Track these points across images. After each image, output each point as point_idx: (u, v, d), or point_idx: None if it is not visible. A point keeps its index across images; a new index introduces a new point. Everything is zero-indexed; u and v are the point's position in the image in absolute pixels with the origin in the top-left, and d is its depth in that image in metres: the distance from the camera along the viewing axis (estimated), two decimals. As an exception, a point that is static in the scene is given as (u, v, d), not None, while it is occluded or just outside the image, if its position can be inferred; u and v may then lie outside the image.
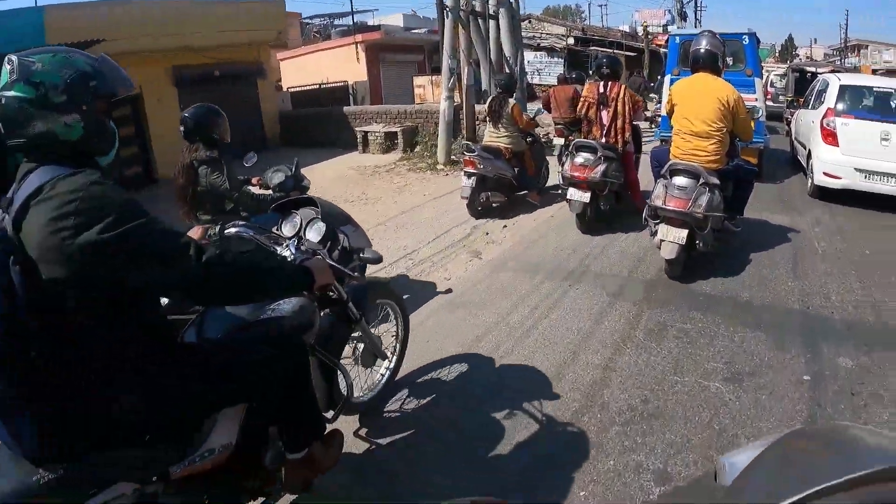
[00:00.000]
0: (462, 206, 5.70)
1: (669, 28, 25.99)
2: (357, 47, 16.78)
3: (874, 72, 22.72)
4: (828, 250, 4.49)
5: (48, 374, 1.13)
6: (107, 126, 1.28)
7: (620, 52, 19.37)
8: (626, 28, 29.56)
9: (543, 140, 7.17)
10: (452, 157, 8.52)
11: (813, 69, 15.53)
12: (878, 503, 0.55)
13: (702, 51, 3.86)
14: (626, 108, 4.83)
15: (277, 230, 2.08)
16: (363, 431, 2.31)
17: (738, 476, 0.71)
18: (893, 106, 6.43)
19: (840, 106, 6.43)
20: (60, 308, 1.13)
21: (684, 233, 3.65)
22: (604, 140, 4.87)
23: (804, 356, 2.84)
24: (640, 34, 24.69)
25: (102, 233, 1.10)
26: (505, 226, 5.38)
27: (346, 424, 2.20)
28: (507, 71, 8.87)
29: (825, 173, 6.18)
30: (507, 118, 5.50)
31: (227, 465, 1.50)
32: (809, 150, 6.70)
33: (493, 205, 5.62)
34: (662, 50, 24.14)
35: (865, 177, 5.97)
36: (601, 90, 4.88)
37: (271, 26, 11.58)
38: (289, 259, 1.70)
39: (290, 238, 1.94)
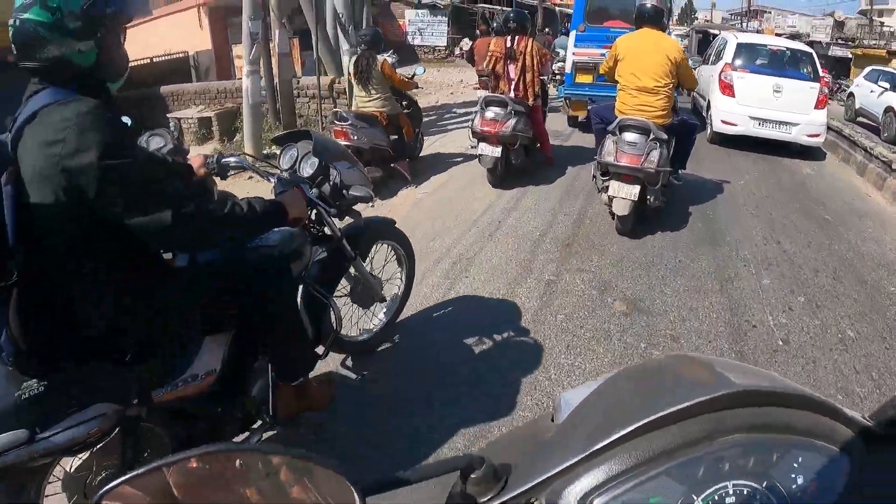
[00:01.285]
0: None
1: (567, -12, 28.45)
2: (200, 11, 16.10)
3: (778, 35, 27.41)
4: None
5: (28, 291, 1.37)
6: (120, 52, 1.53)
7: (508, 8, 21.00)
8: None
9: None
10: (271, 148, 7.93)
11: (716, 31, 18.58)
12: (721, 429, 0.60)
13: (648, 6, 4.58)
14: (535, 61, 5.56)
15: (277, 163, 2.47)
16: (349, 362, 2.78)
17: (570, 413, 0.79)
18: (786, 62, 8.60)
19: (737, 61, 8.37)
20: (45, 229, 1.37)
21: (636, 189, 4.22)
22: (512, 94, 5.61)
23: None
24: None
25: (84, 162, 1.32)
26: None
27: (335, 359, 2.68)
28: (341, 32, 8.50)
29: (723, 121, 8.02)
30: (377, 78, 5.69)
31: (211, 394, 1.77)
32: (709, 101, 8.53)
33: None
34: (558, 8, 26.54)
35: (759, 124, 7.86)
36: (508, 44, 5.58)
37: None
38: (273, 189, 2.05)
39: (287, 169, 2.33)
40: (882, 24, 27.81)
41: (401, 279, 2.94)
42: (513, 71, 5.65)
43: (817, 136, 7.93)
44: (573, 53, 8.10)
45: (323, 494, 0.61)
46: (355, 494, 0.59)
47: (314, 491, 0.61)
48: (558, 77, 9.13)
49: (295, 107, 8.66)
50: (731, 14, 48.82)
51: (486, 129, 5.35)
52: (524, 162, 5.84)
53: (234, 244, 1.84)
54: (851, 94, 14.82)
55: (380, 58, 5.71)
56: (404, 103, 6.33)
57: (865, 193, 6.55)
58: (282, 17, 8.13)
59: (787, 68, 8.47)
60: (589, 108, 8.03)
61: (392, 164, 6.08)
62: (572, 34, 8.25)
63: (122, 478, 0.56)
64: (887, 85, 12.98)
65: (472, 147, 5.66)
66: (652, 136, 4.22)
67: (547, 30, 20.45)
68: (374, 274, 2.69)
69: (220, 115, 9.60)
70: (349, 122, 5.51)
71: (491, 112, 5.42)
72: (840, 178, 7.14)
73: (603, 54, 7.59)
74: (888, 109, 12.42)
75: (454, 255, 4.09)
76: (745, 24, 37.62)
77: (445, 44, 22.46)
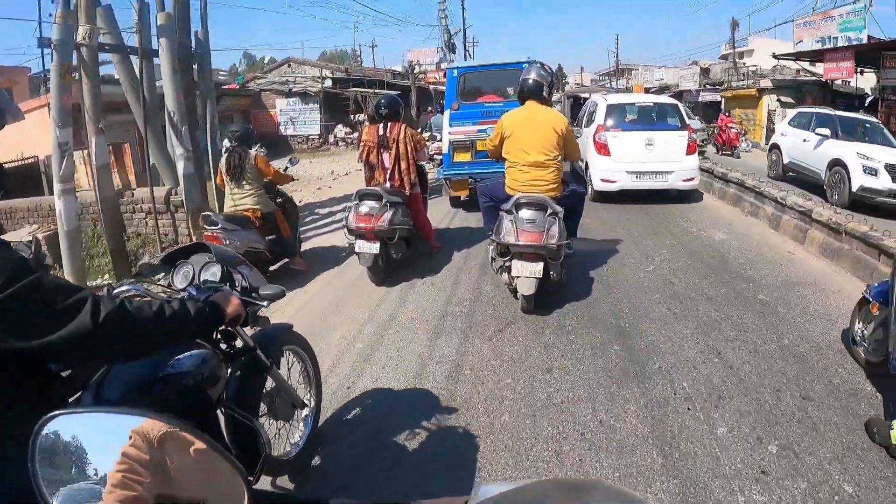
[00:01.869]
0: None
1: (442, 65, 29.61)
2: (49, 110, 15.07)
3: (647, 90, 29.46)
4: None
5: None
6: None
7: (382, 91, 21.21)
8: (399, 68, 32.76)
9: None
10: (102, 278, 7.27)
11: (586, 94, 19.53)
12: None
13: (530, 81, 4.60)
14: (409, 148, 5.43)
15: (169, 284, 2.33)
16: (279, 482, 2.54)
17: None
18: (654, 116, 9.37)
19: (609, 122, 9.00)
20: None
21: (540, 266, 4.18)
22: (388, 184, 5.43)
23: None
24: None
25: None
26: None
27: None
28: (174, 134, 7.41)
29: (602, 179, 8.61)
30: (251, 172, 5.54)
31: None
32: (587, 162, 9.08)
33: None
34: (431, 86, 27.39)
35: (636, 177, 8.53)
36: (381, 132, 5.44)
37: None
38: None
39: (183, 289, 2.12)
40: (745, 64, 30.31)
41: (309, 385, 2.85)
42: (387, 160, 5.48)
43: (692, 179, 8.71)
44: (449, 133, 8.05)
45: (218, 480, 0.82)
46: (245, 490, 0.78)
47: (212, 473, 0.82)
48: (437, 158, 8.80)
49: (125, 226, 7.56)
50: (600, 75, 53.14)
51: (361, 225, 5.08)
52: (406, 254, 5.60)
53: (166, 349, 1.76)
54: (775, 147, 12.05)
55: (252, 152, 5.60)
56: (279, 200, 6.11)
57: (788, 251, 6.00)
58: (97, 121, 6.89)
59: (656, 122, 9.27)
60: (471, 185, 8.11)
61: (276, 266, 5.93)
62: (446, 113, 8.20)
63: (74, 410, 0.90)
64: (827, 132, 10.00)
65: (349, 244, 5.33)
66: (549, 212, 4.24)
67: (430, 108, 20.76)
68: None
69: (50, 237, 8.32)
70: (219, 225, 5.24)
71: (365, 206, 5.18)
72: (755, 236, 6.71)
73: (480, 131, 7.63)
74: (835, 163, 9.36)
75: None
76: (615, 83, 40.67)
77: (319, 132, 22.45)
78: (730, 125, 18.20)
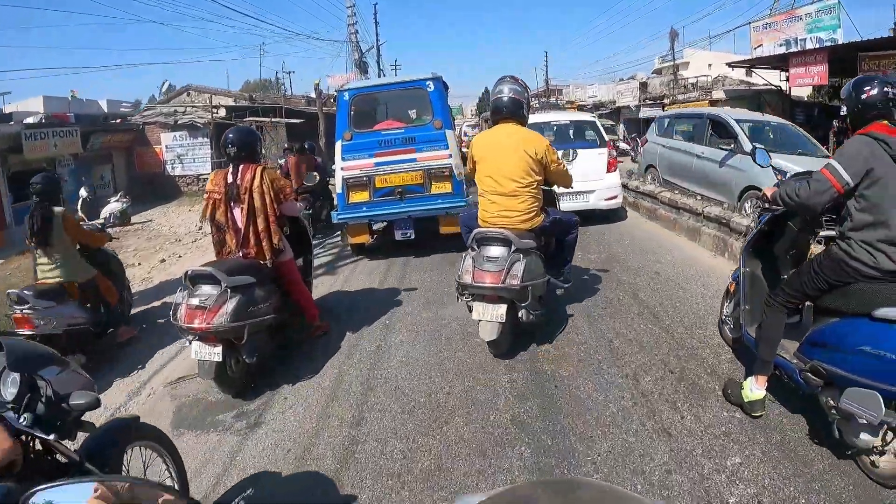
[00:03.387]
0: None
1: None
2: None
3: (580, 107, 29.41)
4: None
5: None
6: None
7: (280, 119, 19.91)
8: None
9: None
10: None
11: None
12: None
13: (504, 98, 4.10)
14: (267, 200, 4.17)
15: None
16: None
17: None
18: (572, 134, 9.24)
19: None
20: None
21: (503, 309, 3.81)
22: (240, 253, 4.17)
23: None
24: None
25: None
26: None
27: None
28: None
29: None
30: (58, 237, 4.78)
31: None
32: None
33: None
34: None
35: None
36: (230, 179, 4.17)
37: None
38: None
39: None
40: (682, 76, 30.47)
41: (171, 477, 2.56)
42: (239, 217, 4.19)
43: (615, 197, 8.56)
44: (342, 168, 6.97)
45: None
46: None
47: None
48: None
49: None
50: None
51: (192, 325, 3.66)
52: (270, 349, 4.26)
53: None
54: None
55: (58, 210, 4.84)
56: (99, 261, 5.41)
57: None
58: None
59: (574, 140, 9.00)
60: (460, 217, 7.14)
61: (111, 333, 5.30)
62: (338, 145, 7.08)
63: (47, 485, 1.01)
64: None
65: (188, 344, 3.92)
66: (514, 248, 3.83)
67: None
68: None
69: None
70: (29, 304, 4.55)
71: (196, 297, 3.76)
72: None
73: (378, 164, 6.70)
74: None
75: None
76: (547, 100, 41.01)
77: (210, 170, 19.89)
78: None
